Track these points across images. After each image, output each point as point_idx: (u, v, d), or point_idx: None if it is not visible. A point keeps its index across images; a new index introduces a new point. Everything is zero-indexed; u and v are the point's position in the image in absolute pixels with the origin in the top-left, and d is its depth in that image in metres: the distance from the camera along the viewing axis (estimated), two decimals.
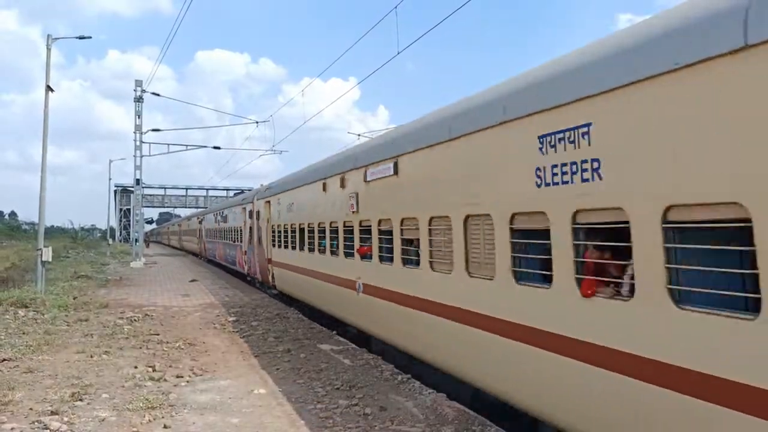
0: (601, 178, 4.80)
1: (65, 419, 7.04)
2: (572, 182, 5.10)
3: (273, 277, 19.35)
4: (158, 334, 12.57)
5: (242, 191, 38.58)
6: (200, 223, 44.68)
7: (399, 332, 9.14)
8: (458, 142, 7.18)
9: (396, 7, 13.79)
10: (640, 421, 4.43)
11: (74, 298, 18.22)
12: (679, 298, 4.14)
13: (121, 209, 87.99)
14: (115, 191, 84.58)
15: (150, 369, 9.49)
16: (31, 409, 7.39)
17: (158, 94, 38.18)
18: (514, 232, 5.97)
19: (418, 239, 8.26)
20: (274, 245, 19.11)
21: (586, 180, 4.95)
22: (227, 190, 79.75)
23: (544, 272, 5.51)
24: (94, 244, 65.47)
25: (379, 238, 9.78)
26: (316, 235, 13.75)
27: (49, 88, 20.85)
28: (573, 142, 5.09)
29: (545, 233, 5.40)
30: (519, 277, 5.93)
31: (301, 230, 15.24)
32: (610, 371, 4.66)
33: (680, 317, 4.09)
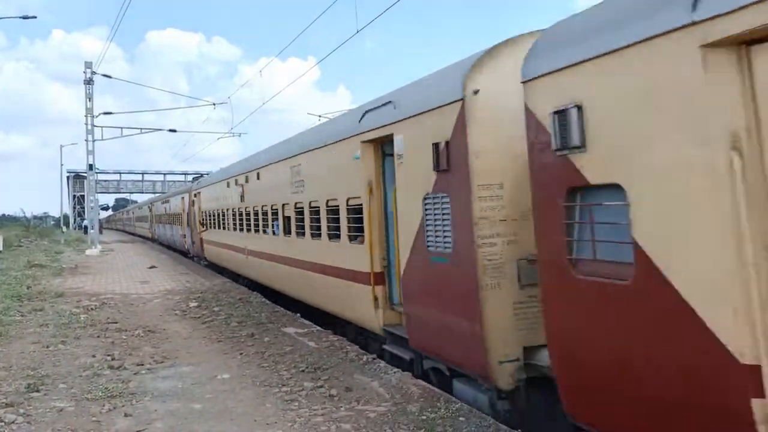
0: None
1: (21, 411, 6.84)
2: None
3: (204, 251, 25.03)
4: (117, 323, 12.30)
5: (201, 175, 38.04)
6: (150, 210, 48.84)
7: (266, 277, 15.52)
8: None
9: None
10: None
11: (28, 288, 17.67)
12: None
13: (74, 196, 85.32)
14: (68, 177, 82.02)
15: (109, 357, 9.29)
16: None
17: (109, 76, 36.82)
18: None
19: (279, 217, 13.60)
20: (204, 227, 24.75)
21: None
22: (185, 174, 78.19)
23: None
24: (47, 232, 63.46)
25: (255, 218, 15.75)
26: (228, 218, 19.27)
27: None
28: None
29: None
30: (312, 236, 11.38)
31: (217, 215, 21.32)
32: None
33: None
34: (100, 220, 58.44)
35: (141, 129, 38.41)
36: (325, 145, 10.53)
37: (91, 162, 35.92)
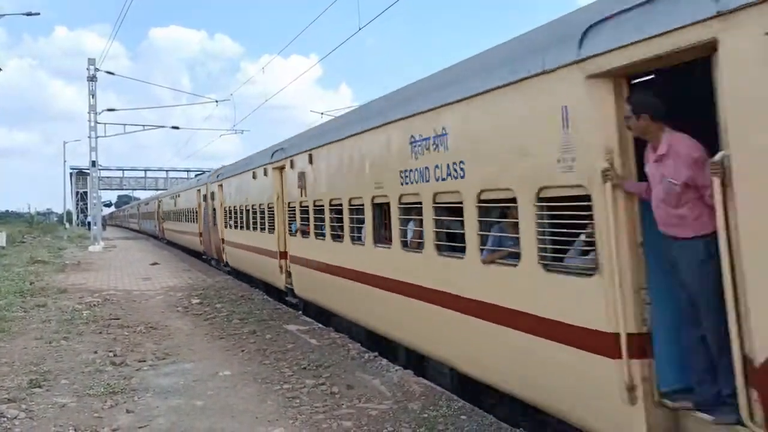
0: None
1: (23, 407, 6.85)
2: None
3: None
4: (119, 319, 12.32)
5: (203, 172, 38.00)
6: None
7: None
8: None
9: None
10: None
11: (31, 284, 17.71)
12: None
13: (77, 192, 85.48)
14: (71, 174, 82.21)
15: (111, 354, 9.31)
16: None
17: (112, 73, 37.06)
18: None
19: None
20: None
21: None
22: (188, 171, 78.18)
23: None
24: (50, 228, 63.64)
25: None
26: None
27: None
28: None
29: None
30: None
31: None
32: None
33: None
34: (103, 216, 58.51)
35: (144, 126, 38.34)
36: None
37: (94, 159, 35.98)
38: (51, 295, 15.65)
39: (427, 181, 6.81)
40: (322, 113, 24.16)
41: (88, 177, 48.71)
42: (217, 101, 36.58)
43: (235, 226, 18.59)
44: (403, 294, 7.52)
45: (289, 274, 13.22)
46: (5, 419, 6.44)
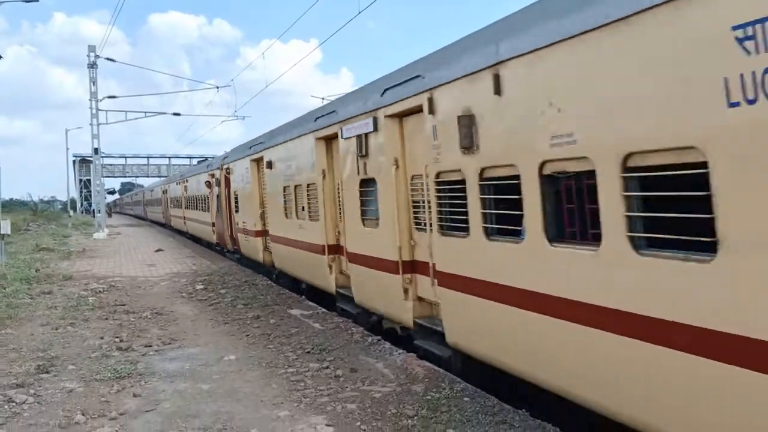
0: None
1: (31, 392, 6.94)
2: None
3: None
4: (124, 305, 12.41)
5: (206, 158, 37.71)
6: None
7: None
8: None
9: None
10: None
11: (36, 271, 17.82)
12: None
13: (81, 180, 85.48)
14: (74, 161, 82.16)
15: (117, 339, 9.40)
16: None
17: (113, 60, 36.74)
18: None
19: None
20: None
21: None
22: (190, 158, 78.05)
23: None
24: (55, 216, 63.72)
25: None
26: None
27: None
28: None
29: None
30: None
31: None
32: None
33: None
34: (107, 204, 58.61)
35: (145, 113, 38.46)
36: None
37: (96, 146, 36.01)
38: (57, 282, 15.77)
39: None
40: (323, 98, 24.02)
41: (91, 164, 48.76)
42: (218, 87, 36.58)
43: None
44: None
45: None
46: (14, 404, 6.54)
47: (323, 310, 11.24)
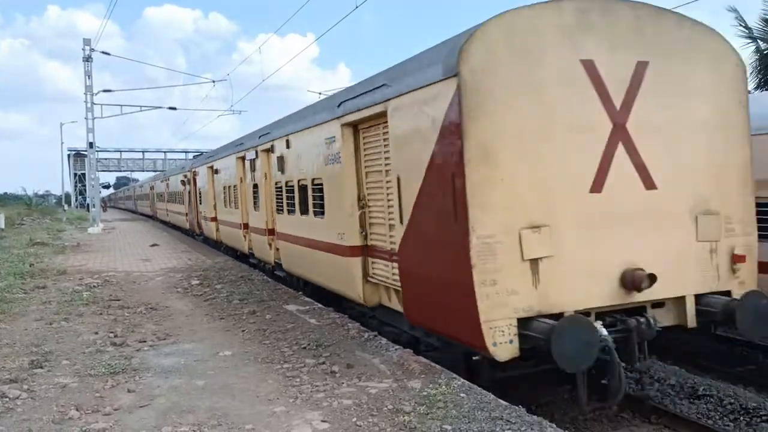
0: None
1: (25, 387, 6.90)
2: None
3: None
4: (119, 300, 12.36)
5: (201, 153, 37.82)
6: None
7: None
8: None
9: None
10: None
11: (30, 266, 17.73)
12: None
13: (75, 174, 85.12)
14: (69, 155, 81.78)
15: (111, 335, 9.35)
16: None
17: (108, 53, 36.60)
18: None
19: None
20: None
21: None
22: (185, 152, 77.74)
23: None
24: (49, 210, 63.46)
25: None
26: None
27: None
28: None
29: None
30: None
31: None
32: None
33: None
34: (102, 198, 58.49)
35: (141, 107, 38.17)
36: None
37: (91, 140, 35.80)
38: (51, 277, 15.69)
39: None
40: (320, 93, 23.98)
41: (86, 159, 48.50)
42: (214, 81, 36.41)
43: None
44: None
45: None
46: (7, 399, 6.49)
47: (319, 306, 11.22)
